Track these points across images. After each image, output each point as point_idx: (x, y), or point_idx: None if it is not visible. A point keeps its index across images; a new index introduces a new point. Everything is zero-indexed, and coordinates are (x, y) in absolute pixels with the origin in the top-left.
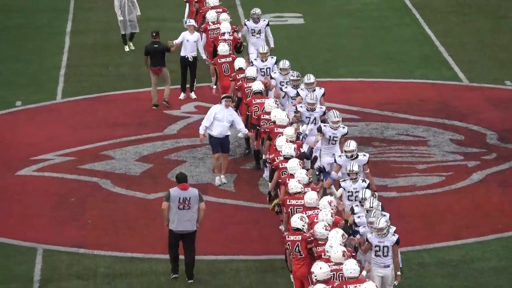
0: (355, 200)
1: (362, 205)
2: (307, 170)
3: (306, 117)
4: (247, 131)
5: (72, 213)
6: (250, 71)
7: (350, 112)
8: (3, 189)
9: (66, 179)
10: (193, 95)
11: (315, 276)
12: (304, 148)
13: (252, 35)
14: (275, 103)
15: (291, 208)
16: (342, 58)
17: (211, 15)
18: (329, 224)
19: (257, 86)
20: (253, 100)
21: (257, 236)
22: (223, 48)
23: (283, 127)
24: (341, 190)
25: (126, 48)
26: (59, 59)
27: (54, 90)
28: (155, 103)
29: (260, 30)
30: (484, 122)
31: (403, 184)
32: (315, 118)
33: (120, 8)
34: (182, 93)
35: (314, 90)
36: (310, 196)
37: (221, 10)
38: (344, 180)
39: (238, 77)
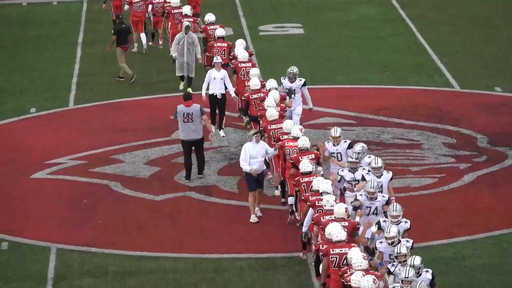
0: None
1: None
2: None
3: (367, 207)
4: (274, 150)
5: (84, 214)
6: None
7: (347, 117)
8: (18, 191)
9: (78, 181)
10: (221, 133)
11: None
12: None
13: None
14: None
15: (288, 150)
16: (340, 66)
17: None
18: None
19: (221, 31)
20: (215, 44)
21: (260, 236)
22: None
23: (258, 92)
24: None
25: (181, 87)
26: (71, 68)
27: (67, 98)
28: (132, 72)
29: (295, 90)
30: (475, 126)
31: (398, 186)
32: (376, 208)
33: (178, 46)
34: (216, 130)
35: (382, 175)
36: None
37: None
38: (393, 265)
39: (208, 28)
